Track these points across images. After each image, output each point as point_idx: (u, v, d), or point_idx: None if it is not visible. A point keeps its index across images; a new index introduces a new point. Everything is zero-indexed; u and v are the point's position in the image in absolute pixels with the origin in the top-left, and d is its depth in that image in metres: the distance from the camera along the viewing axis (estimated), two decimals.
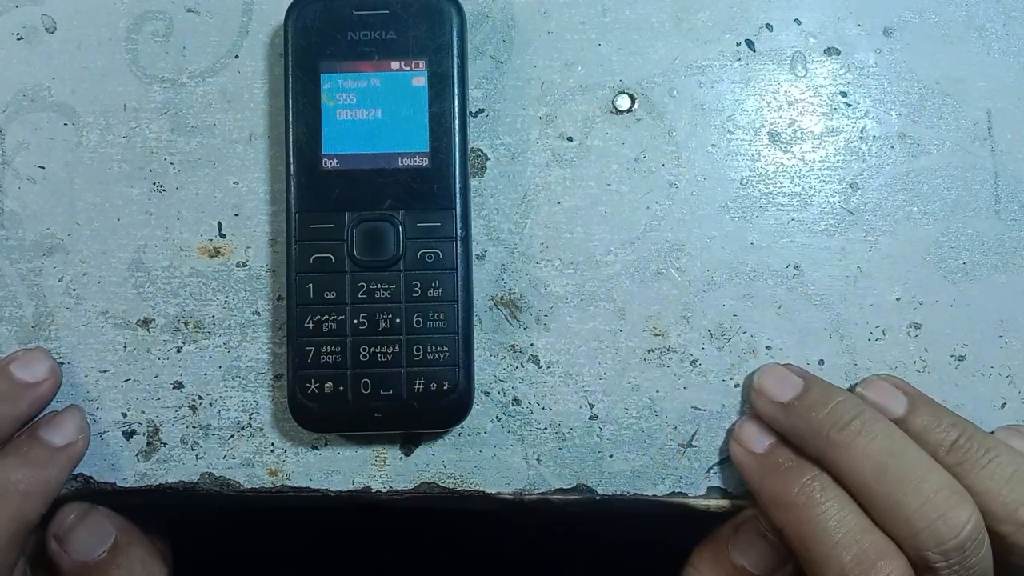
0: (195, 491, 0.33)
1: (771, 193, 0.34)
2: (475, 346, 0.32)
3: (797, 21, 0.34)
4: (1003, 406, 0.33)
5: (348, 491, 0.33)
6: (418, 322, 0.31)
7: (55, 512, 0.32)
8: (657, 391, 0.33)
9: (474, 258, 0.33)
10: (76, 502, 0.33)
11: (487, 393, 0.33)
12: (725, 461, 0.33)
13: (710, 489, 0.33)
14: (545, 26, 0.34)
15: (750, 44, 0.34)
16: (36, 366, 0.32)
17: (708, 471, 0.33)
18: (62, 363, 0.33)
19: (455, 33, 0.31)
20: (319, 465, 0.33)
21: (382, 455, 0.33)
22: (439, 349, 0.31)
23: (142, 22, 0.34)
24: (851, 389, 0.32)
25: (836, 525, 0.28)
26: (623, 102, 0.34)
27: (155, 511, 0.35)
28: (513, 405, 0.33)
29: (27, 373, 0.31)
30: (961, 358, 0.33)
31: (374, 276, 0.31)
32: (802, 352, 0.33)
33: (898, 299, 0.33)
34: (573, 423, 0.33)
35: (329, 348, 0.31)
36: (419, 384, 0.30)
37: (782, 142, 0.34)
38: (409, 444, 0.33)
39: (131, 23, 0.34)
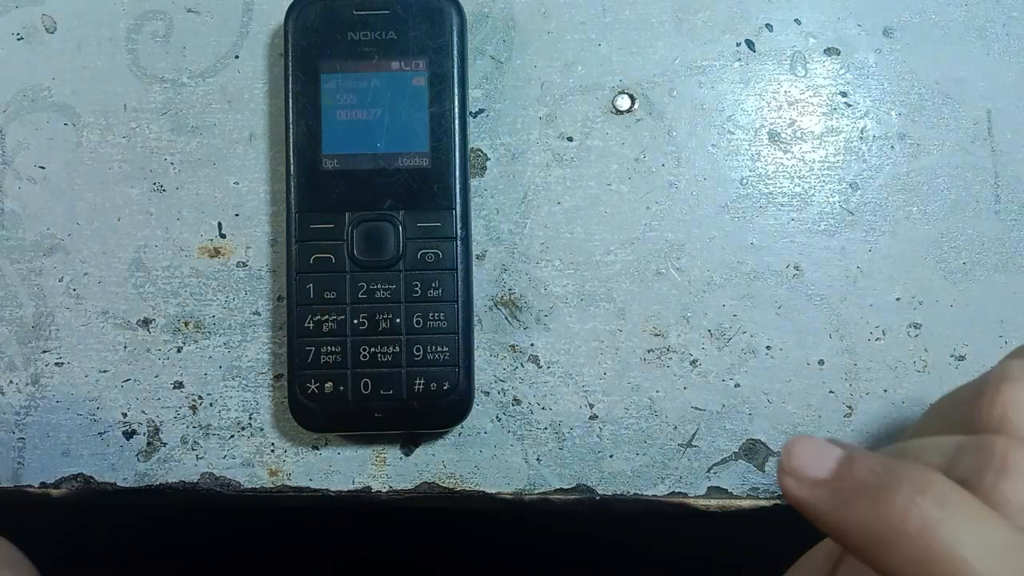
0: (195, 491, 0.33)
1: (771, 193, 0.34)
2: (475, 346, 0.32)
3: (797, 21, 0.34)
4: None
5: (348, 491, 0.33)
6: (418, 322, 0.31)
7: None
8: (657, 391, 0.33)
9: (474, 258, 0.33)
10: None
11: (487, 393, 0.33)
12: (725, 461, 0.33)
13: (710, 489, 0.33)
14: (545, 26, 0.34)
15: (750, 44, 0.34)
16: None
17: (708, 471, 0.33)
18: (62, 363, 0.33)
19: (455, 33, 0.31)
20: (319, 465, 0.33)
21: (382, 455, 0.33)
22: (439, 349, 0.31)
23: (142, 22, 0.34)
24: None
25: (975, 550, 0.18)
26: (623, 102, 0.34)
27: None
28: (513, 405, 0.33)
29: None
30: (961, 358, 0.33)
31: (374, 276, 0.31)
32: (802, 352, 0.33)
33: (898, 299, 0.33)
34: (573, 423, 0.33)
35: (329, 348, 0.31)
36: (419, 384, 0.30)
37: (782, 142, 0.34)
38: (409, 444, 0.33)
39: (131, 23, 0.34)
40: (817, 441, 0.21)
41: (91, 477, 0.33)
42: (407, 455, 0.33)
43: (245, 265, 0.34)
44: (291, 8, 0.31)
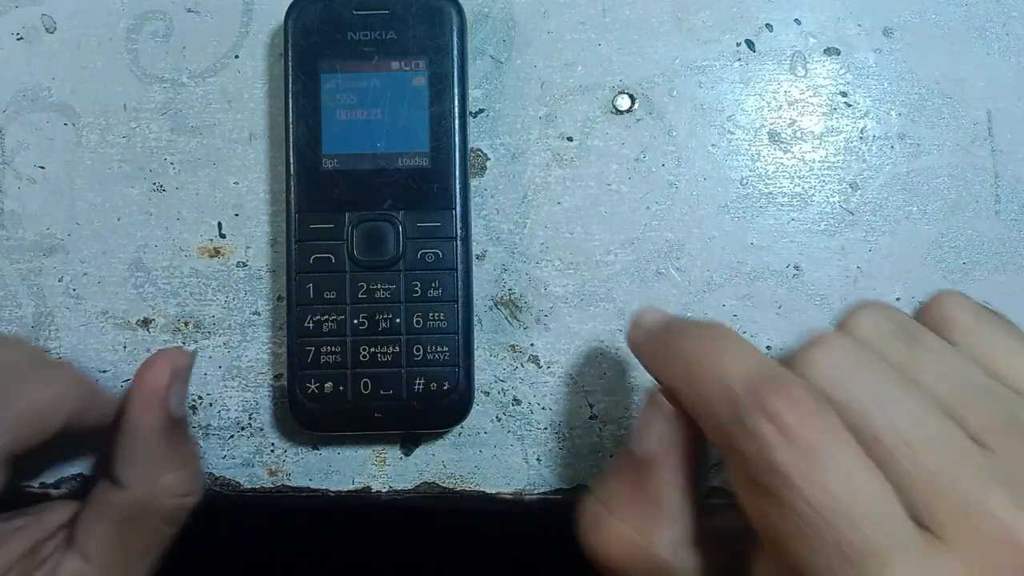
0: None
1: (771, 193, 0.34)
2: (475, 346, 0.32)
3: (797, 21, 0.34)
4: None
5: (348, 491, 0.33)
6: (418, 322, 0.31)
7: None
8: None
9: (474, 258, 0.33)
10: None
11: (487, 393, 0.33)
12: None
13: (710, 489, 0.33)
14: (545, 26, 0.34)
15: (750, 44, 0.34)
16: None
17: (708, 471, 0.33)
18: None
19: (455, 33, 0.31)
20: (319, 465, 0.33)
21: (382, 455, 0.33)
22: (439, 349, 0.31)
23: (142, 22, 0.34)
24: None
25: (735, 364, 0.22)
26: (623, 102, 0.34)
27: None
28: (513, 405, 0.33)
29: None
30: None
31: (374, 276, 0.31)
32: None
33: (898, 299, 0.33)
34: (573, 423, 0.33)
35: (329, 348, 0.31)
36: (419, 384, 0.30)
37: (782, 142, 0.34)
38: (409, 444, 0.33)
39: (131, 23, 0.34)
40: (656, 308, 0.26)
41: (91, 477, 0.33)
42: (407, 455, 0.33)
43: (245, 265, 0.34)
44: (291, 8, 0.31)
